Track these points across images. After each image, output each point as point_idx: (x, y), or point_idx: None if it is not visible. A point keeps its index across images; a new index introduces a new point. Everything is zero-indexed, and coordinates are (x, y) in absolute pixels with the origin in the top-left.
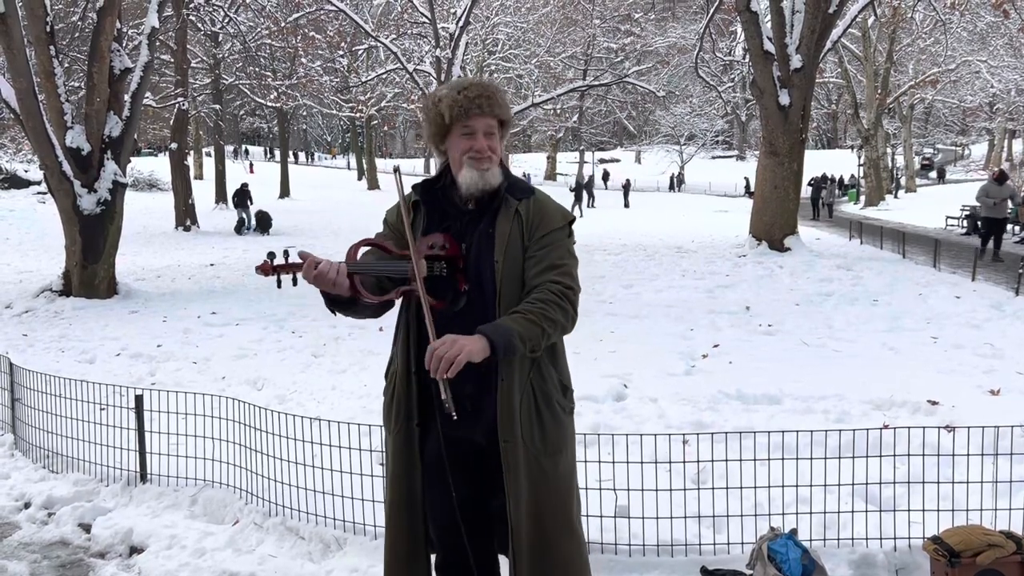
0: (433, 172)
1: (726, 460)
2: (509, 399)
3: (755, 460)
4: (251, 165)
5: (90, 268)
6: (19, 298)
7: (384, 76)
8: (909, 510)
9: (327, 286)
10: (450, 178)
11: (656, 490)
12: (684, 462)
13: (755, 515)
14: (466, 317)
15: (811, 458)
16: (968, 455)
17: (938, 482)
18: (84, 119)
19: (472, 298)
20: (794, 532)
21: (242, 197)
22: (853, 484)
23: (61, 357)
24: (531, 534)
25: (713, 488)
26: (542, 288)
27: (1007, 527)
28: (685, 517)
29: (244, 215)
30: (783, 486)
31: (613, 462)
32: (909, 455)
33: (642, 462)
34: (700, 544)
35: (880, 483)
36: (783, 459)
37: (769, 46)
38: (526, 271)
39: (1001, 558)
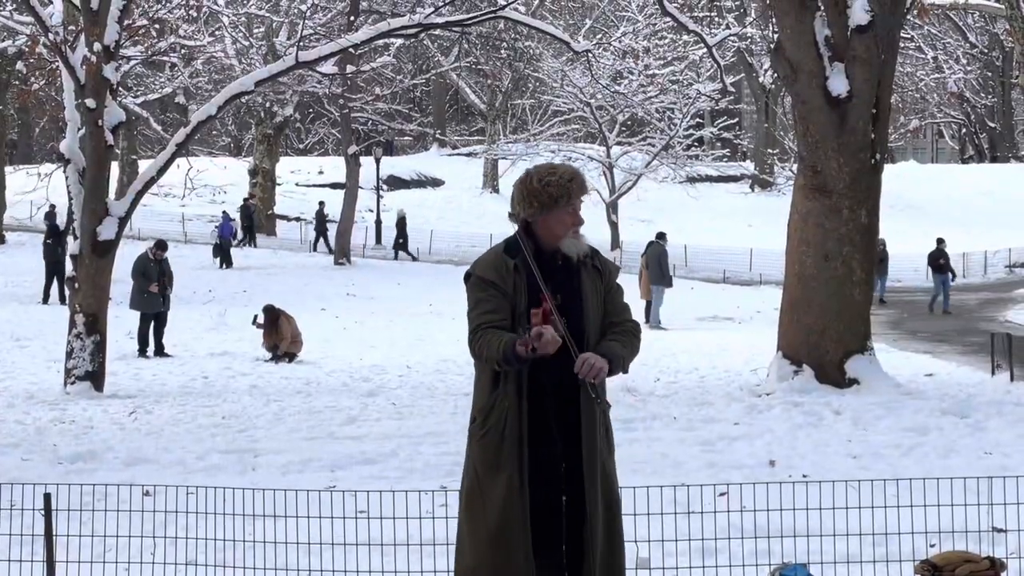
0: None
1: (740, 511)
2: (591, 413)
3: (767, 510)
4: None
5: None
6: None
7: None
8: (914, 560)
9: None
10: (533, 244)
11: (676, 540)
12: (702, 513)
13: (768, 564)
14: (563, 354)
15: (833, 508)
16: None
17: (952, 532)
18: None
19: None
20: (805, 566)
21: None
22: (873, 534)
23: None
24: (603, 525)
25: (729, 538)
26: (624, 326)
27: None
28: (703, 567)
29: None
30: (807, 535)
31: (635, 514)
32: (925, 505)
33: (662, 513)
34: None
35: (899, 533)
36: (807, 509)
37: None
38: (606, 311)
39: (976, 572)
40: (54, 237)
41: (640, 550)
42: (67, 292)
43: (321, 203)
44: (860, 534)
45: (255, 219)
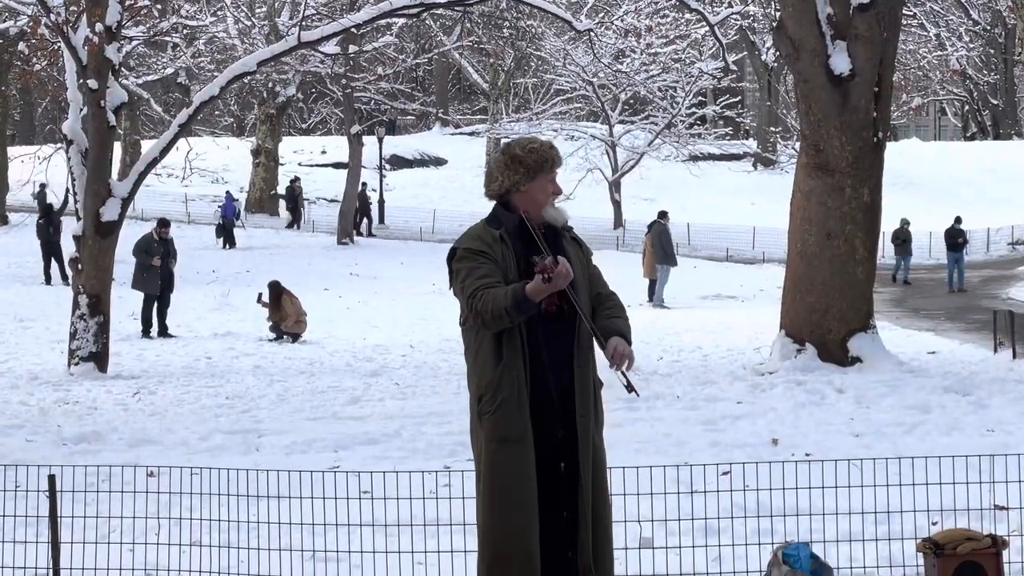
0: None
1: (743, 490)
2: (585, 381)
3: (770, 489)
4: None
5: None
6: None
7: None
8: (916, 538)
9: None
10: (517, 215)
11: (678, 520)
12: (704, 492)
13: (771, 543)
14: (558, 319)
15: (836, 487)
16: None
17: (954, 510)
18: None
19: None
20: (808, 544)
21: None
22: (875, 512)
23: None
24: (595, 498)
25: (732, 517)
26: (613, 299)
27: None
28: (705, 546)
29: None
30: (810, 514)
31: (638, 494)
32: (927, 484)
33: (665, 493)
34: (721, 572)
35: (900, 512)
36: (809, 488)
37: None
38: (592, 282)
39: (978, 549)
40: (46, 217)
41: (643, 530)
42: (68, 271)
43: (364, 184)
44: (862, 512)
45: (300, 201)
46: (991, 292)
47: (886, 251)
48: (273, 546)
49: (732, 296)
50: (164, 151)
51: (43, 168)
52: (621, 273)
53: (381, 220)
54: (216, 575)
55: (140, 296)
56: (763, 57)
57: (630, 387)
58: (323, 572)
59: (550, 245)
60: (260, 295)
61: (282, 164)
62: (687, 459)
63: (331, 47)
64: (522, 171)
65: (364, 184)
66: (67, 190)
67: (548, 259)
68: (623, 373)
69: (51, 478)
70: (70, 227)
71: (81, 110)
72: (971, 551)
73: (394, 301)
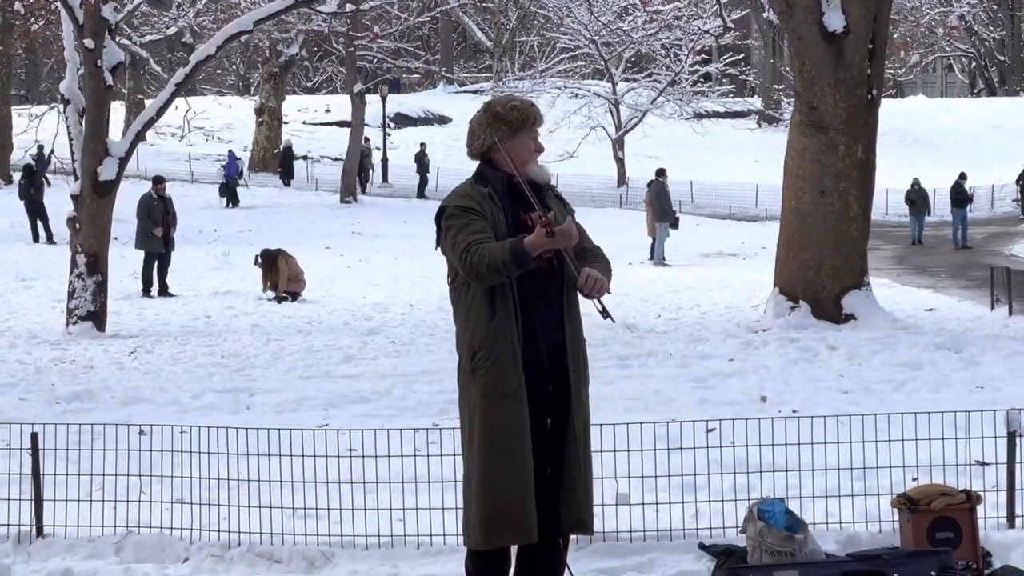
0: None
1: (720, 446)
2: (576, 338)
3: (747, 446)
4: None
5: None
6: None
7: None
8: (894, 494)
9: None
10: (503, 173)
11: (655, 476)
12: (681, 448)
13: (748, 500)
14: (548, 276)
15: (811, 443)
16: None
17: (930, 465)
18: None
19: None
20: (784, 500)
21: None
22: (851, 468)
23: None
24: (584, 452)
25: (708, 474)
26: (595, 251)
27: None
28: (683, 503)
29: None
30: (787, 471)
31: (615, 450)
32: (902, 440)
33: (642, 449)
34: (697, 529)
35: (876, 467)
36: (786, 444)
37: None
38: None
39: (952, 505)
40: (28, 177)
41: (620, 486)
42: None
43: (423, 145)
44: (838, 468)
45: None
46: (994, 249)
47: (889, 209)
48: (254, 503)
49: (734, 254)
50: (161, 111)
51: (38, 126)
52: (624, 231)
53: (384, 179)
54: (197, 532)
55: (140, 255)
56: (766, 14)
57: (605, 313)
58: (302, 528)
59: (540, 201)
60: (257, 258)
61: (286, 123)
62: (674, 416)
63: (330, 5)
64: (504, 128)
65: (367, 140)
66: (51, 151)
67: (551, 214)
68: (599, 299)
69: (33, 435)
70: (56, 186)
71: (78, 70)
72: (945, 506)
73: (396, 259)
